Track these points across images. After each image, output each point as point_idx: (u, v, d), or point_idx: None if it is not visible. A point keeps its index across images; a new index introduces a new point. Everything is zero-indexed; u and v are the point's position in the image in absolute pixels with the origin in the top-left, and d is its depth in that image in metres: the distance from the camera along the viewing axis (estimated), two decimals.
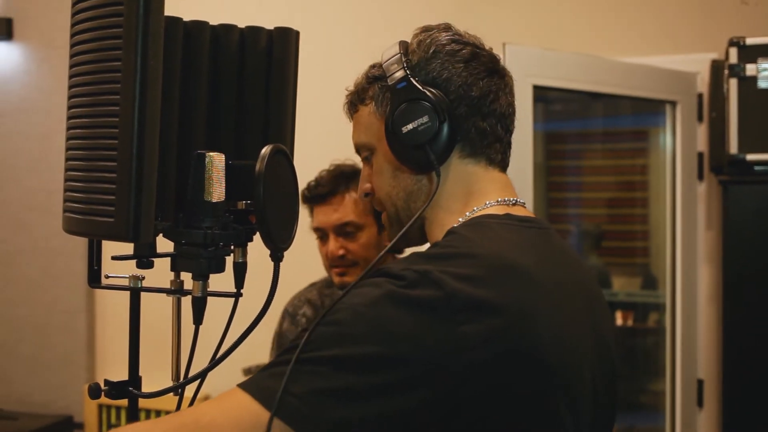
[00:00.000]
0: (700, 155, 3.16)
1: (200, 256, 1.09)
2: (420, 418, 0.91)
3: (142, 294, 1.22)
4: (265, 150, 1.09)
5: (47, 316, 4.11)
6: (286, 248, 1.14)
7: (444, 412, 0.91)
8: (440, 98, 1.08)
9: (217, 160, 1.09)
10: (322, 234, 2.07)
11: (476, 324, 0.92)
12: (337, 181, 2.04)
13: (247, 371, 3.59)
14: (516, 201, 1.15)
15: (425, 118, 1.07)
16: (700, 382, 3.18)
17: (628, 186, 4.76)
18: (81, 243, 4.01)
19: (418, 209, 1.13)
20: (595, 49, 3.12)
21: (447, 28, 1.16)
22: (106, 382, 1.20)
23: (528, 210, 1.16)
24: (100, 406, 3.97)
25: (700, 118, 3.14)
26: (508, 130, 1.15)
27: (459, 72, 1.10)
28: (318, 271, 2.25)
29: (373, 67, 1.20)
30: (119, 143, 0.97)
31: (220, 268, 1.12)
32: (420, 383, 0.90)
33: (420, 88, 1.08)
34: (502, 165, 1.16)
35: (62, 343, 4.09)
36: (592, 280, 1.18)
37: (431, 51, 1.11)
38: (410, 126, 1.08)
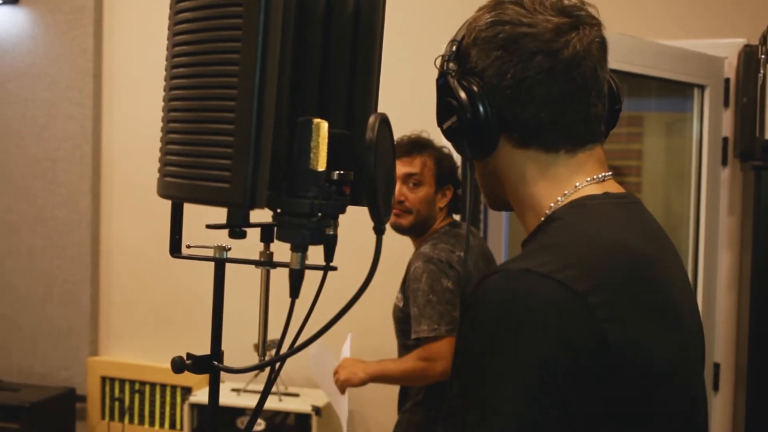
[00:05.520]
0: (725, 140, 3.14)
1: (303, 227, 1.04)
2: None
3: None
4: (373, 118, 1.05)
5: (50, 286, 4.04)
6: (387, 221, 1.10)
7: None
8: (474, 92, 1.03)
9: (323, 128, 1.04)
10: None
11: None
12: (413, 145, 2.54)
13: (257, 348, 3.56)
14: (604, 176, 1.07)
15: (454, 117, 1.05)
16: (717, 366, 3.19)
17: (620, 171, 4.74)
18: (87, 213, 3.95)
19: (492, 191, 1.14)
20: (624, 29, 3.08)
21: (496, 4, 1.07)
22: (189, 356, 1.16)
23: (615, 181, 1.09)
24: (103, 379, 3.92)
25: (725, 103, 3.12)
26: (567, 110, 1.03)
27: (492, 61, 1.03)
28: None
29: None
30: (238, 105, 0.92)
31: (322, 240, 1.08)
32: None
33: (451, 84, 1.06)
34: (573, 145, 1.05)
35: (65, 315, 4.03)
36: (676, 251, 1.14)
37: (472, 37, 1.06)
38: (447, 123, 1.07)
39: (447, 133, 1.09)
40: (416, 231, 2.55)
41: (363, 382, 2.49)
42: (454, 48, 1.09)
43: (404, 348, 2.55)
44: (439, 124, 1.09)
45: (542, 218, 1.04)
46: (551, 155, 1.05)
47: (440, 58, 1.10)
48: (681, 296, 1.03)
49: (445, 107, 1.07)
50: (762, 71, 2.61)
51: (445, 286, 2.39)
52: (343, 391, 2.53)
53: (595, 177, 1.06)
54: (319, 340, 2.42)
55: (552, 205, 1.04)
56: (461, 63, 1.07)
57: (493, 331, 0.90)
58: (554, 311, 0.88)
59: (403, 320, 2.52)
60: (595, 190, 1.05)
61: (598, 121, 1.07)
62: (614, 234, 0.98)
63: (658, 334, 0.94)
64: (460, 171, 2.69)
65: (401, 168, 2.50)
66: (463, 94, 1.04)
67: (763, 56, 2.62)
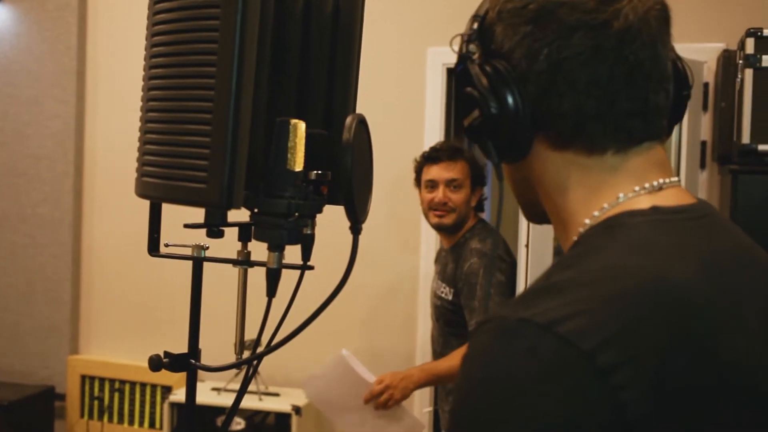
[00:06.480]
0: (703, 144, 3.18)
1: (281, 227, 1.05)
2: None
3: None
4: (351, 119, 1.06)
5: (31, 284, 4.03)
6: (364, 221, 1.11)
7: None
8: (499, 79, 0.82)
9: (300, 128, 1.06)
10: (433, 185, 2.74)
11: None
12: (454, 151, 2.77)
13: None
14: (662, 184, 0.83)
15: (476, 112, 0.84)
16: None
17: None
18: (69, 211, 3.93)
19: (527, 199, 0.93)
20: None
21: None
22: (166, 354, 1.17)
23: (681, 189, 0.85)
24: (83, 377, 3.91)
25: (704, 107, 3.16)
26: (619, 98, 0.80)
27: (520, 39, 0.82)
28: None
29: None
30: (215, 106, 0.93)
31: (299, 240, 1.09)
32: None
33: (471, 70, 0.85)
34: (625, 144, 0.83)
35: (46, 313, 4.01)
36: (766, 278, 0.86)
37: (497, 11, 0.84)
38: (469, 120, 0.86)
39: (469, 132, 0.87)
40: (455, 228, 2.76)
41: (411, 392, 2.59)
42: (475, 26, 0.86)
43: (449, 335, 2.74)
44: (460, 122, 0.89)
45: (575, 237, 0.83)
46: (595, 158, 0.82)
47: (458, 38, 0.88)
48: (756, 344, 0.76)
49: (466, 100, 0.86)
50: (740, 76, 2.64)
51: (499, 279, 2.64)
52: (393, 411, 2.57)
53: (647, 185, 0.82)
54: (317, 386, 2.40)
55: (587, 221, 0.83)
56: (484, 44, 0.86)
57: (478, 405, 0.71)
58: (551, 380, 0.67)
59: (451, 311, 2.70)
60: (643, 203, 0.81)
61: (658, 113, 0.83)
62: (651, 266, 0.74)
63: (709, 403, 0.70)
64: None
65: (444, 173, 2.75)
66: (485, 82, 0.83)
67: (741, 61, 2.65)
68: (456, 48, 0.88)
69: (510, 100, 0.81)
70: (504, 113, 0.82)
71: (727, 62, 2.88)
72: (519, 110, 0.81)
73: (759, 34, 2.60)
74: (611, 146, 0.81)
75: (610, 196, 0.82)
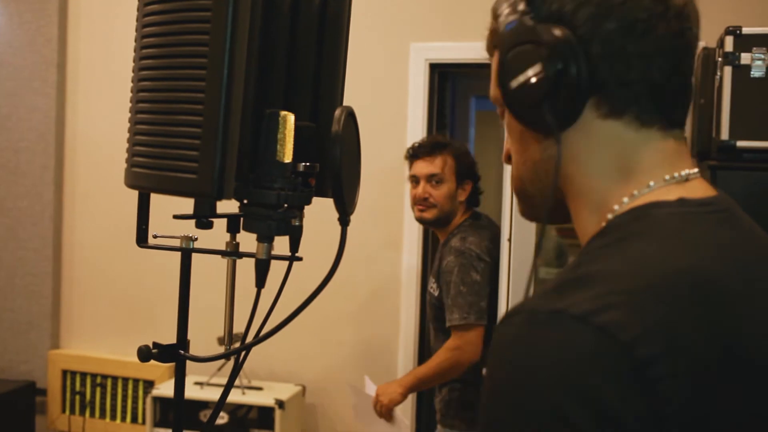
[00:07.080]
0: None
1: (270, 218, 1.06)
2: None
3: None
4: (340, 111, 1.07)
5: (11, 278, 4.00)
6: (352, 212, 1.13)
7: None
8: (562, 38, 0.78)
9: (290, 120, 1.07)
10: (416, 180, 2.79)
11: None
12: (434, 146, 2.80)
13: (221, 341, 3.56)
14: (688, 175, 0.81)
15: (538, 67, 0.78)
16: None
17: None
18: (49, 205, 3.91)
19: (546, 185, 0.86)
20: None
21: None
22: (155, 344, 1.17)
23: (703, 180, 0.84)
24: (64, 372, 3.89)
25: None
26: (675, 72, 0.79)
27: None
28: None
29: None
30: (206, 97, 0.94)
31: (288, 231, 1.10)
32: None
33: (532, 26, 0.80)
34: (667, 124, 0.80)
35: (26, 308, 3.98)
36: None
37: None
38: (521, 78, 0.80)
39: (515, 95, 0.82)
40: (440, 223, 2.81)
41: (404, 396, 2.67)
42: None
43: (437, 331, 2.79)
44: (504, 82, 0.82)
45: (603, 224, 0.81)
46: (642, 133, 0.80)
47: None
48: None
49: (518, 58, 0.80)
50: (719, 73, 2.68)
51: (474, 279, 2.65)
52: (389, 417, 2.68)
53: (676, 175, 0.81)
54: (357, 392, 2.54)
55: (616, 207, 0.81)
56: (536, 4, 0.81)
57: (510, 400, 0.69)
58: (588, 371, 0.66)
59: (438, 307, 2.75)
60: (671, 194, 0.80)
61: (689, 100, 0.83)
62: (680, 257, 0.73)
63: (740, 393, 0.70)
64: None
65: (424, 168, 2.78)
66: (558, 32, 0.77)
67: (720, 59, 2.68)
68: (502, 9, 0.83)
69: (572, 61, 0.77)
70: (564, 74, 0.77)
71: (707, 60, 2.91)
72: (581, 72, 0.77)
73: (738, 32, 2.63)
74: (658, 121, 0.80)
75: (641, 182, 0.80)
